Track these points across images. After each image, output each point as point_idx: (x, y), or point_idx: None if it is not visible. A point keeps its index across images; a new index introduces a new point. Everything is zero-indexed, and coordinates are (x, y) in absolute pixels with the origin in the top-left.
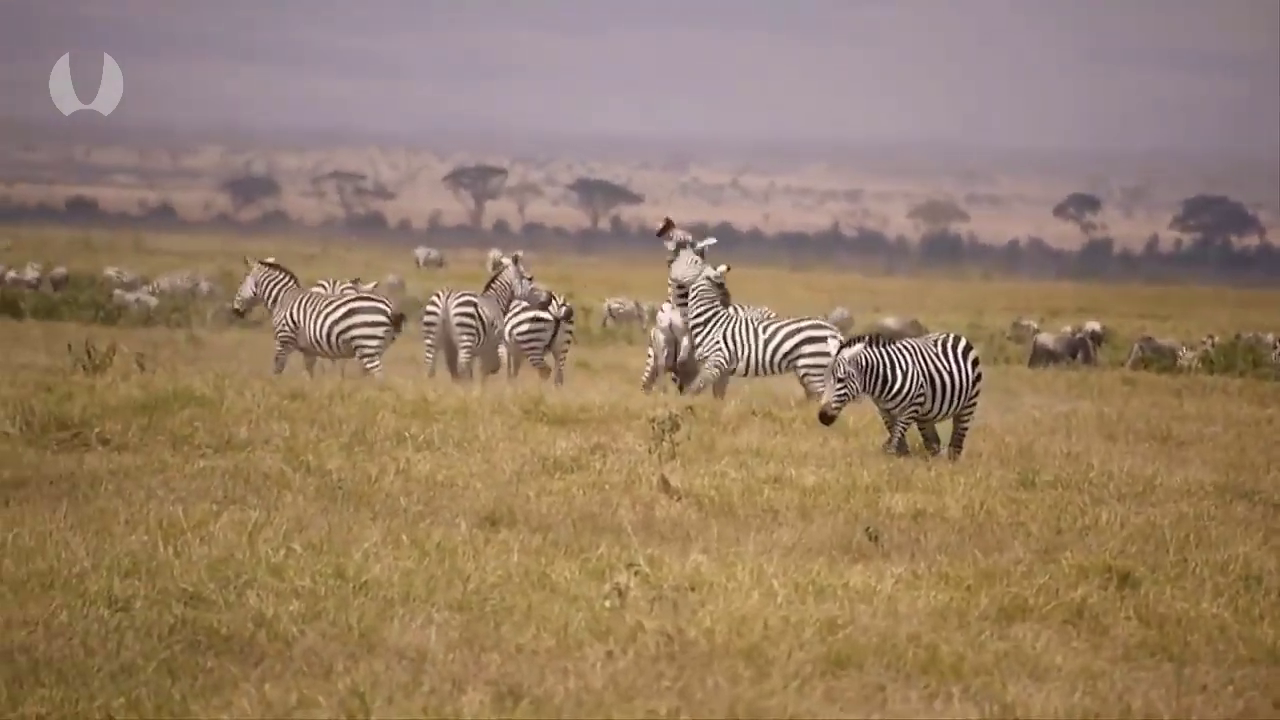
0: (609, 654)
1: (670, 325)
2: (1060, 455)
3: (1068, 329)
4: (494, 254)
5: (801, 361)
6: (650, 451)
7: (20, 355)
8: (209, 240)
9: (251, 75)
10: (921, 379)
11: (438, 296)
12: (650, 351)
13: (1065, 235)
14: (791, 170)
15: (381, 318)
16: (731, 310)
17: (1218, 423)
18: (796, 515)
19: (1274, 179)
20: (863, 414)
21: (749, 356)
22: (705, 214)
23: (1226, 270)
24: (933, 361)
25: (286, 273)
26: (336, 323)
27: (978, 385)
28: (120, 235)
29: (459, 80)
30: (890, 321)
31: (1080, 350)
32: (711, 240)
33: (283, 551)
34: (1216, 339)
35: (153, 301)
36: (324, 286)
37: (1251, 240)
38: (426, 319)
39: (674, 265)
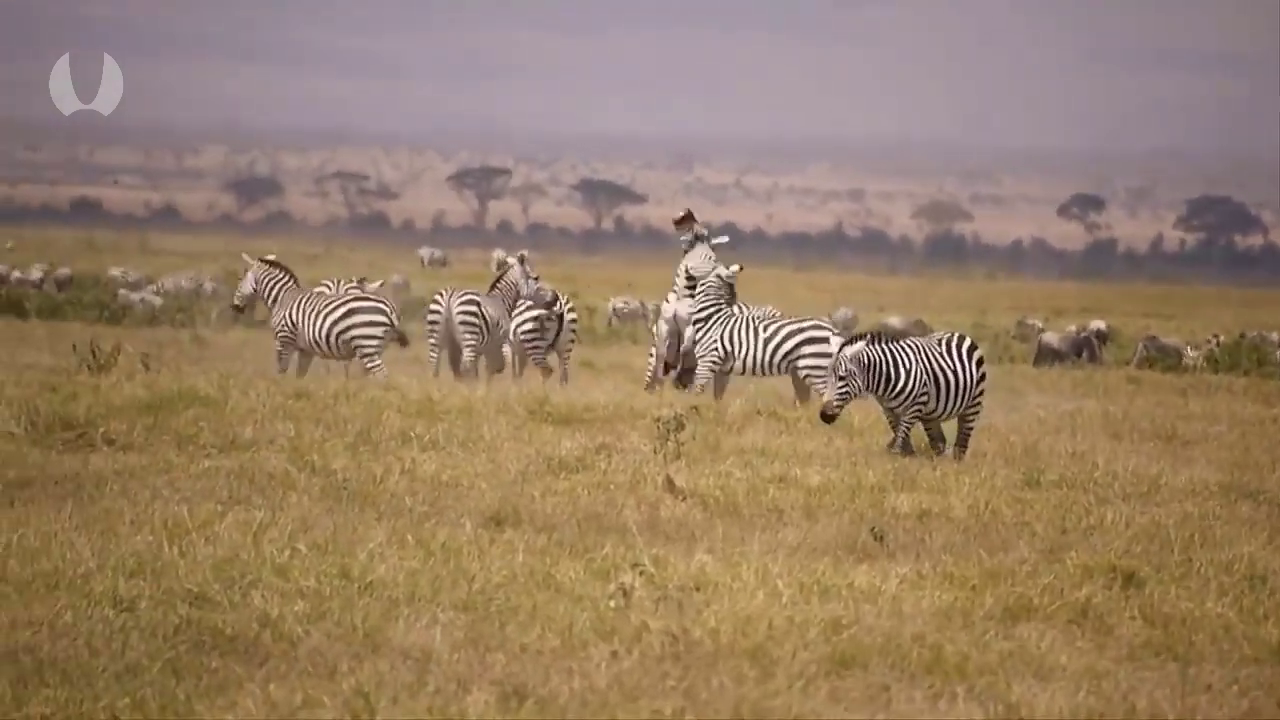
0: (614, 654)
1: (675, 316)
2: (1065, 455)
3: (1072, 328)
4: (498, 254)
5: (802, 362)
6: (655, 451)
7: (25, 355)
8: (213, 240)
9: (254, 75)
10: (925, 378)
11: (440, 295)
12: (653, 351)
13: (1069, 235)
14: (795, 170)
15: (381, 317)
16: (735, 310)
17: (1223, 422)
18: (801, 515)
19: (1277, 179)
20: (868, 414)
21: (747, 356)
22: (709, 214)
23: (1230, 270)
24: (937, 360)
25: (286, 272)
26: (336, 323)
27: (982, 385)
28: (124, 236)
29: (462, 80)
30: (894, 321)
31: (1085, 349)
32: (725, 238)
33: (288, 552)
34: (1221, 338)
35: (157, 301)
36: (328, 286)
37: (1255, 240)
38: (430, 318)
39: (688, 256)
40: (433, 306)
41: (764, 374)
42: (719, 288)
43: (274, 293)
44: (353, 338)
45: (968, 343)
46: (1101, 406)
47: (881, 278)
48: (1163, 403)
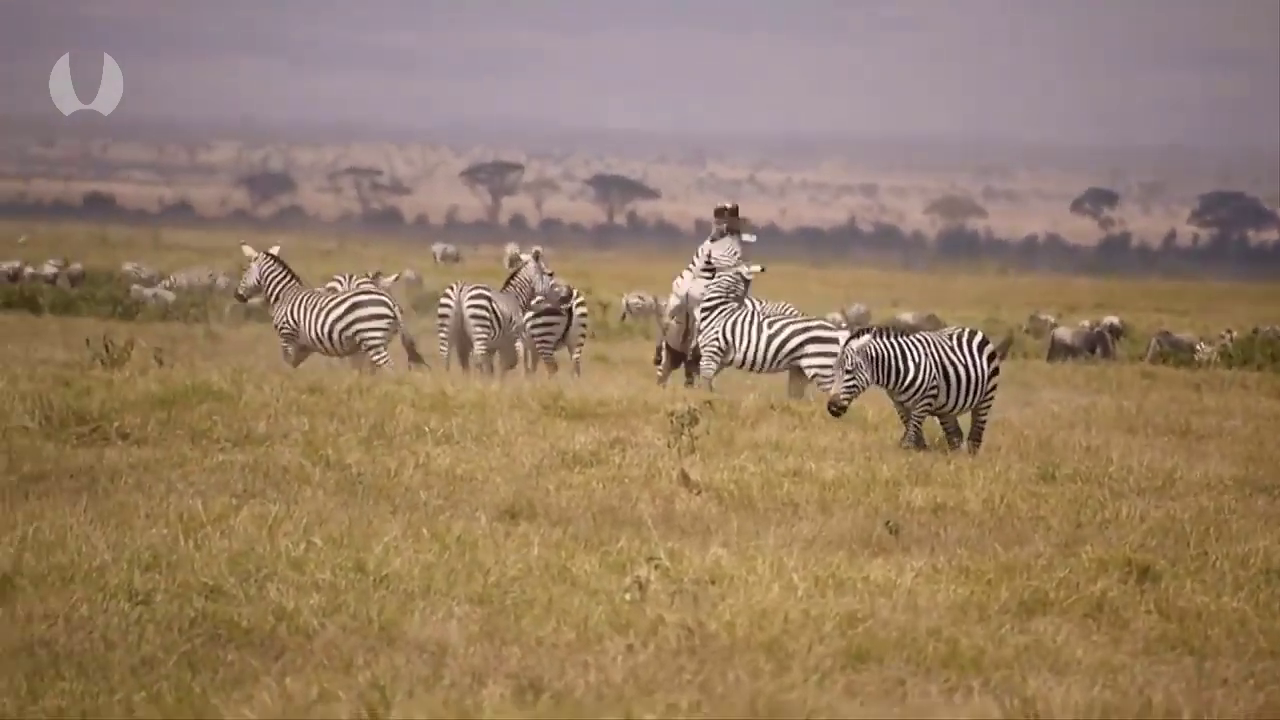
0: (629, 647)
1: (686, 296)
2: (1080, 449)
3: (1086, 324)
4: (511, 249)
5: (807, 362)
6: (669, 445)
7: (39, 350)
8: (226, 236)
9: (268, 71)
10: (935, 371)
11: (451, 290)
12: (662, 341)
13: (1082, 230)
14: (808, 165)
15: (384, 310)
16: (743, 305)
17: (1237, 416)
18: (816, 509)
19: None
20: (881, 408)
21: (748, 350)
22: None
23: (1244, 265)
24: (947, 355)
25: (289, 271)
26: (339, 319)
27: (994, 379)
28: (138, 231)
29: (476, 76)
30: (907, 316)
31: (1099, 344)
32: (754, 237)
33: (303, 545)
34: (1234, 333)
35: (170, 297)
36: (340, 282)
37: (1269, 235)
38: (440, 312)
39: (716, 244)
40: (443, 301)
41: (765, 370)
42: (736, 283)
43: (275, 290)
44: (357, 331)
45: (979, 338)
46: (1115, 401)
47: (895, 273)
48: (1176, 398)
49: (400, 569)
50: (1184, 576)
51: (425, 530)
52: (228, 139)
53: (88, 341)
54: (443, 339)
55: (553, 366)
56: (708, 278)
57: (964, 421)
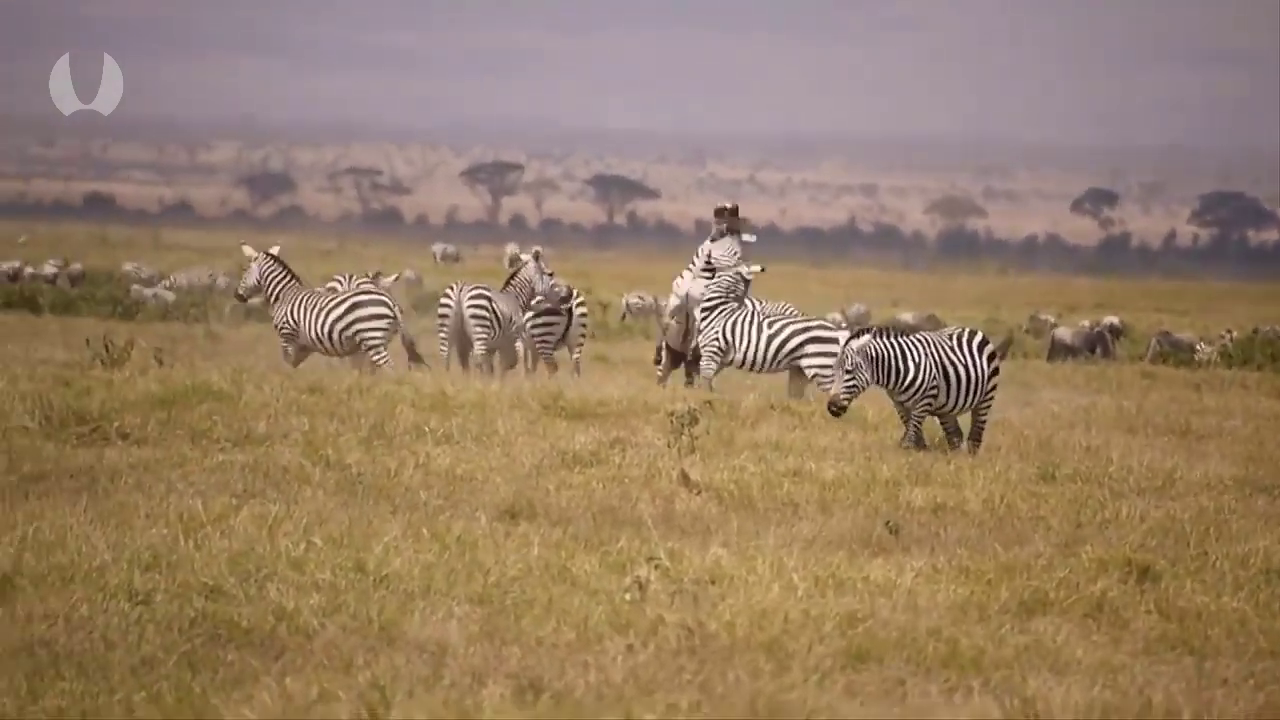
0: (629, 647)
1: (687, 296)
2: (1080, 449)
3: (1085, 324)
4: (511, 248)
5: (807, 362)
6: (669, 445)
7: (39, 350)
8: (226, 236)
9: (268, 71)
10: (935, 371)
11: (451, 290)
12: (662, 341)
13: (1082, 230)
14: (808, 165)
15: (384, 309)
16: (743, 305)
17: (1237, 417)
18: (816, 509)
19: None
20: (881, 408)
21: (747, 350)
22: None
23: (1244, 265)
24: (947, 355)
25: (289, 271)
26: (339, 320)
27: (994, 379)
28: (138, 231)
29: (475, 75)
30: (907, 317)
31: (1099, 345)
32: (754, 237)
33: (303, 545)
34: (1234, 333)
35: (170, 297)
36: (340, 282)
37: (1269, 235)
38: (440, 312)
39: (716, 244)
40: (443, 301)
41: (764, 370)
42: (735, 283)
43: (275, 290)
44: (357, 332)
45: (979, 338)
46: (1115, 401)
47: (895, 273)
48: (1176, 398)
49: (400, 569)
50: (1184, 576)
51: (425, 530)
52: (228, 139)
53: (88, 341)
54: (443, 339)
55: (552, 366)
56: (708, 278)
57: (964, 421)
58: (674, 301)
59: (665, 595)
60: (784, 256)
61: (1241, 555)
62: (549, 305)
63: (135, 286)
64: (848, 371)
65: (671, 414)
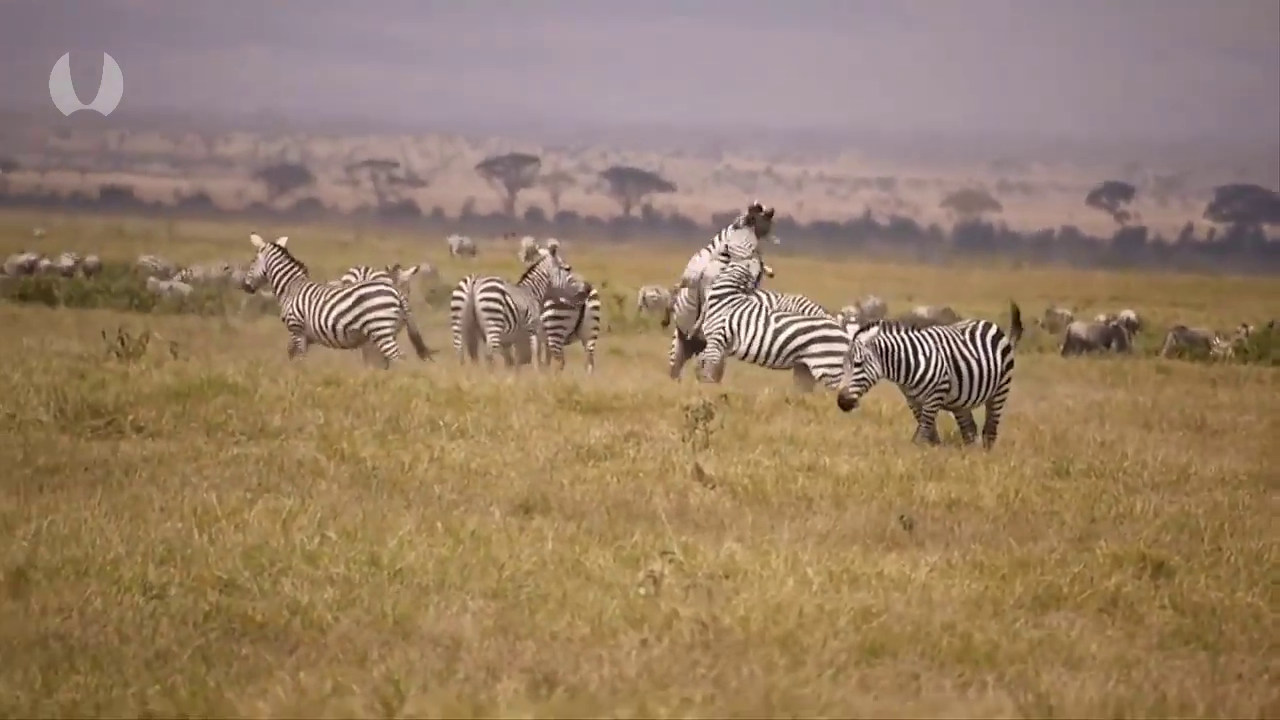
0: (644, 642)
1: (702, 276)
2: (1094, 444)
3: (1101, 318)
4: (526, 241)
5: (812, 361)
6: (684, 440)
7: (54, 343)
8: (243, 228)
9: (285, 63)
10: (946, 366)
11: (464, 283)
12: (674, 341)
13: (1098, 224)
14: (825, 158)
15: (390, 299)
16: (753, 297)
17: (1252, 411)
18: (831, 503)
19: None
20: (895, 402)
21: (751, 342)
22: (739, 202)
23: (1260, 259)
24: (959, 349)
25: (295, 262)
26: (345, 313)
27: (1008, 373)
28: (154, 223)
29: (492, 68)
30: (922, 310)
31: (1114, 339)
32: (777, 239)
33: (317, 539)
34: (1250, 328)
35: (186, 289)
36: (355, 274)
37: None
38: (453, 304)
39: (734, 234)
40: (456, 294)
41: (766, 363)
42: (745, 276)
43: (281, 282)
44: (365, 323)
45: (993, 331)
46: (1130, 396)
47: (910, 266)
48: (1192, 392)
49: (414, 563)
50: (1198, 572)
51: (439, 524)
52: (245, 131)
53: (103, 334)
54: (455, 332)
55: (560, 361)
56: (723, 263)
57: (979, 415)
58: (688, 273)
59: (679, 590)
60: (800, 249)
61: (1256, 550)
62: (566, 300)
63: (151, 279)
64: (856, 364)
65: (686, 408)
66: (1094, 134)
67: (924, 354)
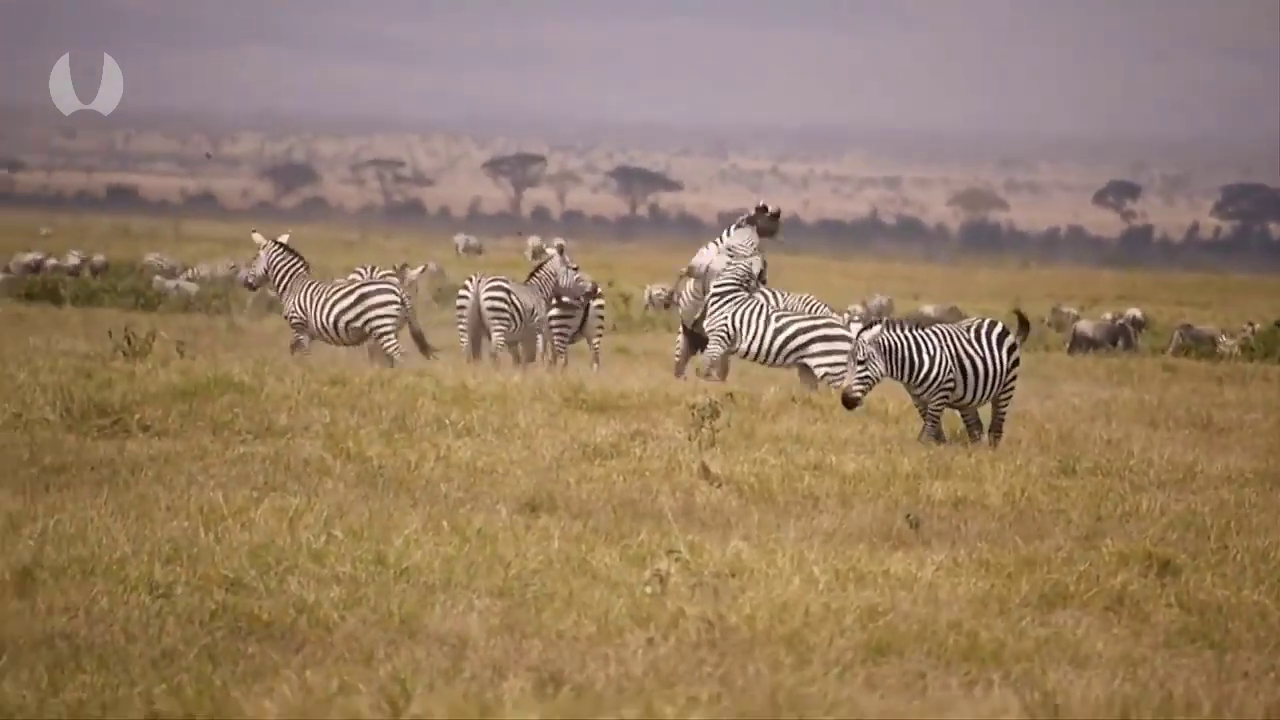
0: (650, 640)
1: (707, 269)
2: (1100, 442)
3: (1108, 316)
4: (533, 241)
5: (814, 361)
6: (690, 438)
7: (61, 342)
8: (249, 227)
9: (289, 62)
10: (951, 364)
11: (469, 281)
12: (679, 338)
13: (1105, 223)
14: (831, 157)
15: (392, 297)
16: (755, 296)
17: (1258, 410)
18: (837, 502)
19: None
20: (901, 401)
21: (753, 341)
22: (745, 201)
23: (1266, 257)
24: (964, 347)
25: (298, 259)
26: (346, 310)
27: (1014, 371)
28: (160, 222)
29: (498, 67)
30: (929, 309)
31: (1121, 337)
32: (783, 239)
33: (323, 538)
34: (1256, 326)
35: (192, 288)
36: (361, 273)
37: None
38: (458, 303)
39: (739, 231)
40: (461, 292)
41: (767, 362)
42: (747, 275)
43: (283, 279)
44: (367, 321)
45: (998, 329)
46: (1136, 394)
47: (917, 265)
48: (1198, 390)
49: (421, 562)
50: (1204, 570)
51: (446, 523)
52: (250, 130)
53: (109, 333)
54: (461, 330)
55: (564, 360)
56: (728, 259)
57: (984, 413)
58: (695, 262)
59: (686, 588)
60: (806, 248)
61: (1262, 549)
62: (572, 299)
63: (157, 278)
64: (860, 362)
65: (692, 407)
66: (1100, 133)
67: (928, 352)
